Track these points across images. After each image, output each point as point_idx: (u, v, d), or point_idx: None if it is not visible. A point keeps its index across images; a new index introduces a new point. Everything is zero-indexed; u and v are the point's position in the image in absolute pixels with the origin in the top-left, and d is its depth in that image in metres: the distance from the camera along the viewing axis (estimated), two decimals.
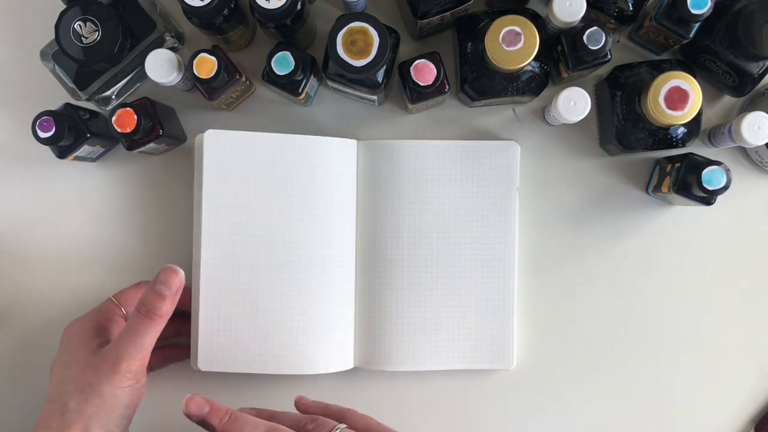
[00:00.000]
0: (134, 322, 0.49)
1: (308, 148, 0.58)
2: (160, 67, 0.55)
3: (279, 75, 0.55)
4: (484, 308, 0.59)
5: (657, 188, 0.59)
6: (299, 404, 0.51)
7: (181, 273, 0.50)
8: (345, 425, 0.47)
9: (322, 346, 0.58)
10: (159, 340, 0.50)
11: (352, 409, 0.50)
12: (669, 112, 0.53)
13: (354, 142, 0.60)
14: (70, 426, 0.48)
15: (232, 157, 0.58)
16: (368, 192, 0.60)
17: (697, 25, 0.55)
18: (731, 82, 0.58)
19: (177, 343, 0.60)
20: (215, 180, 0.58)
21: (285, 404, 0.61)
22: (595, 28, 0.53)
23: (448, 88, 0.56)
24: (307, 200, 0.58)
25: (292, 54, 0.55)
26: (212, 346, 0.58)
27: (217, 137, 0.58)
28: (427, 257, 0.59)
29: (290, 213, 0.58)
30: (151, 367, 0.58)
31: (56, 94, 0.59)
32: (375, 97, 0.58)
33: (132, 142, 0.56)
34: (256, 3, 0.52)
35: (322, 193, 0.58)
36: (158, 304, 0.49)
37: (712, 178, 0.54)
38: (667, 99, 0.53)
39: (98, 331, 0.52)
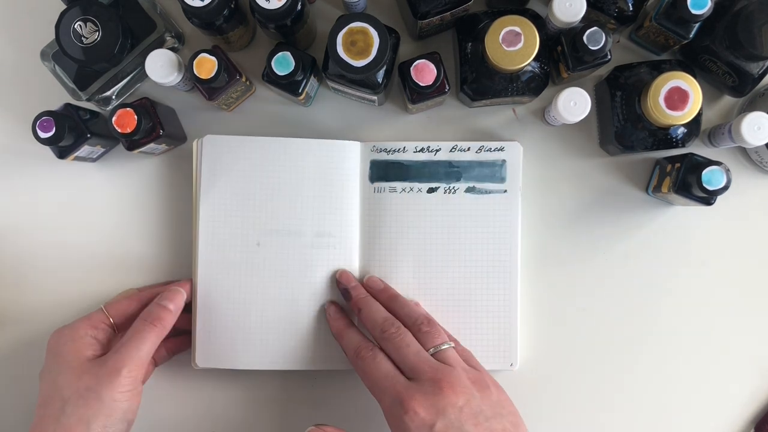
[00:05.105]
0: (138, 328, 0.52)
1: (308, 150, 0.58)
2: (161, 67, 0.55)
3: (279, 75, 0.55)
4: (488, 308, 0.59)
5: (657, 188, 0.59)
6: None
7: (185, 293, 0.56)
8: (453, 344, 0.53)
9: (323, 344, 0.58)
10: (173, 328, 0.54)
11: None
12: (669, 112, 0.53)
13: (357, 144, 0.60)
14: (69, 429, 0.48)
15: (231, 161, 0.58)
16: (370, 193, 0.60)
17: (697, 25, 0.55)
18: (731, 83, 0.58)
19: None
20: (215, 183, 0.58)
21: (286, 401, 0.61)
22: (595, 28, 0.53)
23: (448, 88, 0.56)
24: (309, 202, 0.58)
25: (292, 54, 0.55)
26: (211, 343, 0.58)
27: (216, 142, 0.58)
28: (430, 257, 0.59)
29: (292, 214, 0.58)
30: (155, 362, 0.58)
31: (56, 95, 0.59)
32: (375, 98, 0.58)
33: (132, 142, 0.56)
34: (257, 3, 0.52)
35: (323, 194, 0.58)
36: (162, 315, 0.53)
37: (712, 178, 0.54)
38: (667, 99, 0.53)
39: (89, 339, 0.52)
